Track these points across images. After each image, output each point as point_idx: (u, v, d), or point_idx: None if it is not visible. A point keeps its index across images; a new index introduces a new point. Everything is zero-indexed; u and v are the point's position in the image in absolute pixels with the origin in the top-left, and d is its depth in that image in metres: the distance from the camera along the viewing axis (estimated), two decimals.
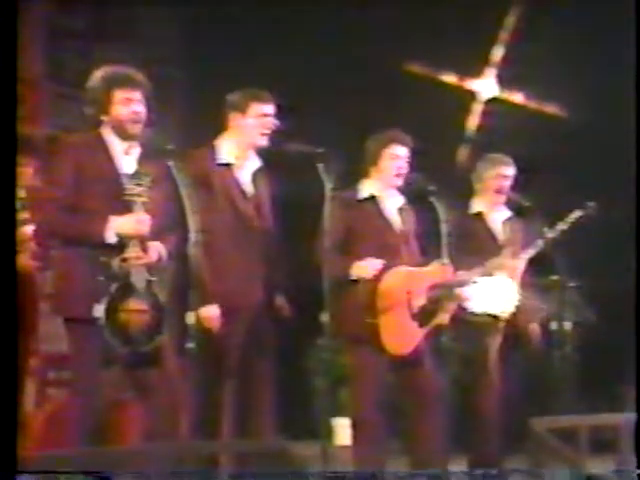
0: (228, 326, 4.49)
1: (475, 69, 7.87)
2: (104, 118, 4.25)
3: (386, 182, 4.99)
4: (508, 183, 5.54)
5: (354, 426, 4.84)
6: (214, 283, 4.43)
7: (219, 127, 4.75)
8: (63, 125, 6.47)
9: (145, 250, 4.13)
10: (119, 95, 4.22)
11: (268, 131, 4.68)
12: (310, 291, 4.36)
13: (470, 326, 5.28)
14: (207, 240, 4.29)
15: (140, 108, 4.24)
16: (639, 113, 5.82)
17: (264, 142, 4.69)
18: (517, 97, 7.88)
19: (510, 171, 5.54)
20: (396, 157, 4.95)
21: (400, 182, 4.99)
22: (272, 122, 4.69)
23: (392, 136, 4.99)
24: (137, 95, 4.24)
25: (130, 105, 4.22)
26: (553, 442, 4.23)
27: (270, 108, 4.70)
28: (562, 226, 5.42)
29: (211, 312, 4.46)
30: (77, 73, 6.89)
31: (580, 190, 5.98)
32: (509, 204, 5.60)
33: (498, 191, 5.53)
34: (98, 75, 4.28)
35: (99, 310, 4.01)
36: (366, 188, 5.00)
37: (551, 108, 7.74)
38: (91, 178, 4.16)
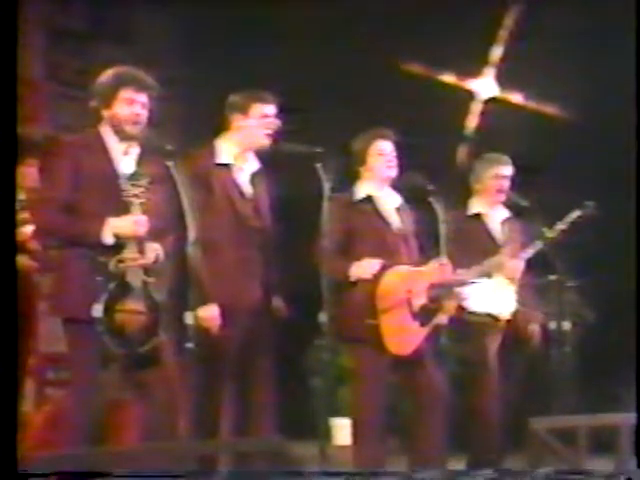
0: (226, 326, 4.50)
1: (474, 69, 7.87)
2: (105, 113, 4.26)
3: (378, 180, 5.00)
4: (507, 183, 5.55)
5: (355, 426, 4.83)
6: (212, 283, 4.43)
7: (219, 128, 4.75)
8: (63, 125, 6.48)
9: (142, 251, 4.14)
10: (125, 94, 4.23)
11: (270, 131, 4.70)
12: (309, 292, 4.36)
13: (469, 326, 5.29)
14: (205, 240, 4.29)
15: (142, 111, 4.25)
16: (639, 113, 5.81)
17: (266, 142, 4.70)
18: (516, 97, 7.87)
19: (509, 171, 5.55)
20: (383, 153, 4.97)
21: (392, 175, 4.99)
22: (274, 123, 4.71)
23: (375, 133, 5.01)
24: (142, 98, 4.25)
25: (133, 106, 4.23)
26: (552, 442, 4.23)
27: (272, 109, 4.72)
28: (561, 226, 5.43)
29: (210, 311, 4.46)
30: (77, 73, 6.92)
31: (579, 190, 5.96)
32: (508, 204, 5.60)
33: (498, 191, 5.53)
34: (110, 72, 4.30)
35: (97, 310, 4.01)
36: (362, 189, 5.00)
37: (550, 108, 7.73)
38: (89, 178, 4.16)
